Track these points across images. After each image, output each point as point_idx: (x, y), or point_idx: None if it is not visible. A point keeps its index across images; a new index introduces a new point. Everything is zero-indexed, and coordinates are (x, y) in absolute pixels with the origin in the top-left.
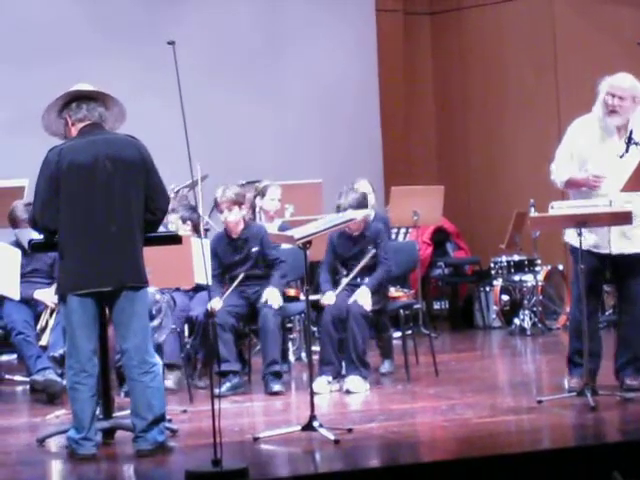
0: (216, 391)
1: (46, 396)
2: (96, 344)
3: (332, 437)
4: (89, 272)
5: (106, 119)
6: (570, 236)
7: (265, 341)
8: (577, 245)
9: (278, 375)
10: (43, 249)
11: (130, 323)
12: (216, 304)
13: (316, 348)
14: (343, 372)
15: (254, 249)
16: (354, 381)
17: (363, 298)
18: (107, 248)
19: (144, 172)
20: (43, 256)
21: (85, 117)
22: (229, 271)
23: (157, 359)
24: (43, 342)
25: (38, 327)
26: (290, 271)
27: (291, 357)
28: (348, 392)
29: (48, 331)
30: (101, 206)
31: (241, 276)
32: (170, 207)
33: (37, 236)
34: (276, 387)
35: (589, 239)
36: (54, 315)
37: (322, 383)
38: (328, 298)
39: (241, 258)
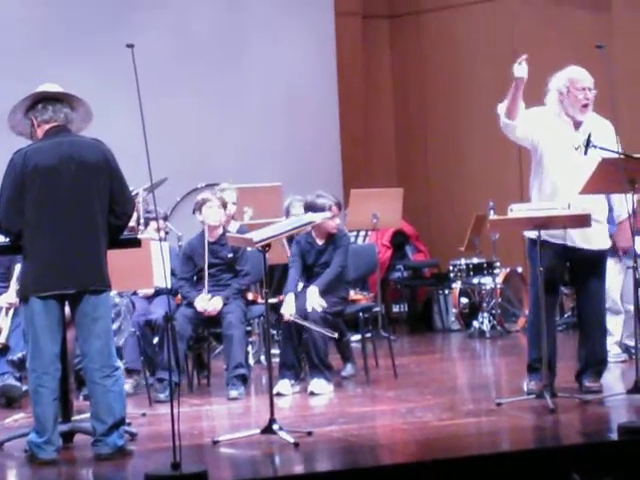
0: (163, 396)
1: (5, 400)
2: (59, 347)
3: (292, 440)
4: (52, 274)
5: (72, 120)
6: (530, 231)
7: (230, 345)
8: (539, 240)
9: (244, 378)
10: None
11: (93, 326)
12: (207, 302)
13: (275, 351)
14: (304, 374)
15: (229, 255)
16: (318, 383)
17: (314, 300)
18: (70, 251)
19: (108, 176)
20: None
21: (51, 118)
22: (199, 272)
23: (119, 363)
24: (1, 339)
25: None
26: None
27: (251, 360)
28: (312, 394)
29: (5, 331)
30: (65, 209)
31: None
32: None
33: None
34: (233, 393)
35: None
36: (10, 314)
37: (285, 385)
38: (288, 309)
39: (214, 262)
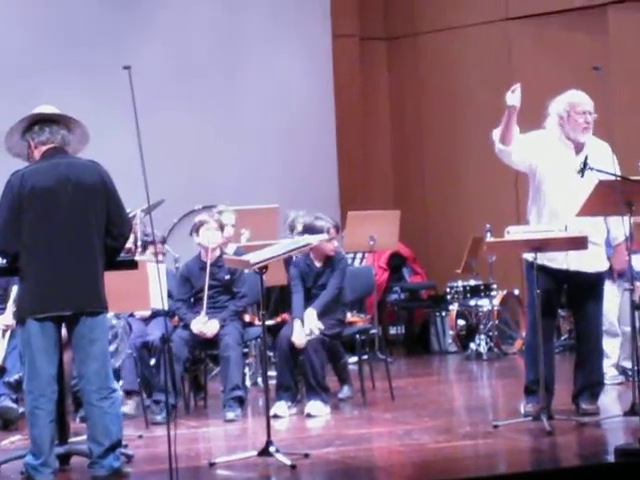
0: (160, 418)
1: (1, 422)
2: (56, 369)
3: (288, 462)
4: (49, 296)
5: (69, 142)
6: (529, 254)
7: (227, 367)
8: (536, 263)
9: (241, 400)
10: None
11: (90, 348)
12: (204, 325)
13: (272, 373)
14: (300, 396)
15: (226, 277)
16: (315, 405)
17: (311, 322)
18: (67, 272)
19: (105, 197)
20: None
21: (48, 140)
22: (196, 294)
23: (116, 385)
24: None
25: None
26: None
27: (247, 382)
28: (309, 416)
29: (2, 353)
30: (62, 230)
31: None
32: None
33: None
34: (230, 415)
35: (547, 253)
36: (6, 336)
37: (282, 407)
38: (299, 337)
39: (211, 284)
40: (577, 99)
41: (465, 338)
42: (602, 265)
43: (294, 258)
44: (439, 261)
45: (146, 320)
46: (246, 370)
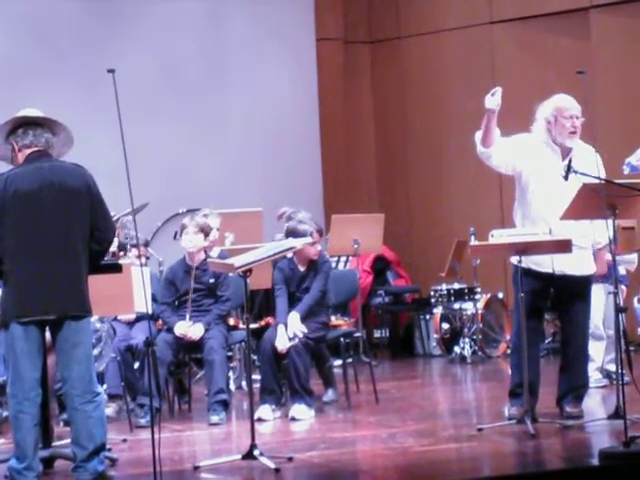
0: (144, 421)
1: None
2: (40, 372)
3: (272, 466)
4: (33, 300)
5: (53, 145)
6: (515, 257)
7: (211, 371)
8: (521, 266)
9: (225, 404)
10: None
11: (73, 352)
12: (187, 328)
13: (256, 376)
14: (284, 400)
15: (211, 280)
16: (299, 409)
17: (295, 325)
18: (51, 276)
19: (89, 201)
20: None
21: (32, 143)
22: (181, 297)
23: (100, 388)
24: None
25: None
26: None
27: (232, 385)
28: (293, 419)
29: None
30: (46, 234)
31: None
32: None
33: None
34: (214, 418)
35: (533, 257)
36: None
37: (266, 410)
38: (282, 341)
39: (196, 287)
40: (564, 103)
41: (449, 341)
42: (589, 269)
43: (286, 256)
44: (423, 264)
45: (130, 324)
46: (230, 374)
